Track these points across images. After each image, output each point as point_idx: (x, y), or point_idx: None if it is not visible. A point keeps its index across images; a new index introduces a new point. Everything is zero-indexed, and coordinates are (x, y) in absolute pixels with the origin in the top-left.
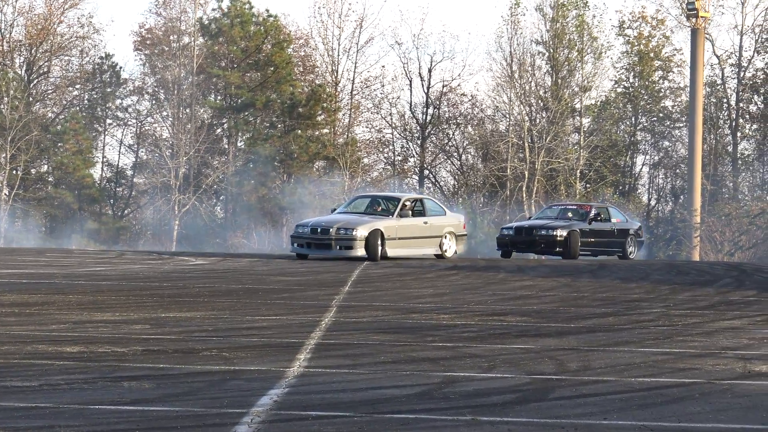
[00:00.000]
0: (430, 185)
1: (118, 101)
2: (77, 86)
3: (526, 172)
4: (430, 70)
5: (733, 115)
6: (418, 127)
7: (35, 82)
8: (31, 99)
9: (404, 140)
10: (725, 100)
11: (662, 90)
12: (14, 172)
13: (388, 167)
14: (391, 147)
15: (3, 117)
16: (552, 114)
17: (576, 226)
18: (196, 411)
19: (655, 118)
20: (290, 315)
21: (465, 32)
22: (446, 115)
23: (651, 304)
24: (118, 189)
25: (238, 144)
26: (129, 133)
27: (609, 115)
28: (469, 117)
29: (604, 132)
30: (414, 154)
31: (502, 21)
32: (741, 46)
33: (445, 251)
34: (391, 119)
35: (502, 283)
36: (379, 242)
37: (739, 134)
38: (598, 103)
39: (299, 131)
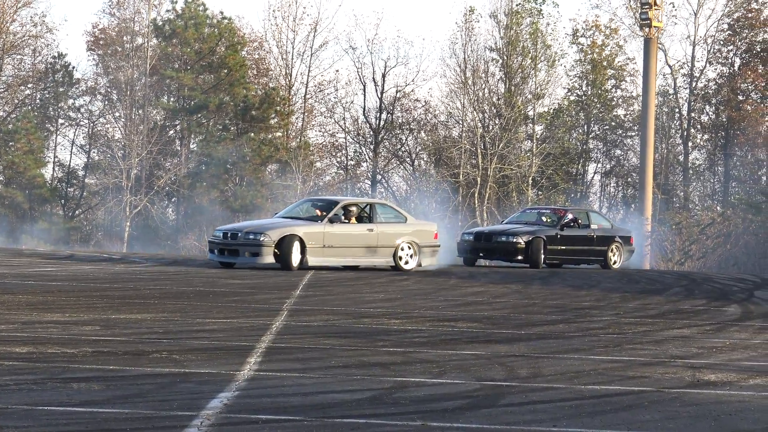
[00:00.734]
0: (383, 190)
1: (70, 101)
2: (29, 85)
3: (479, 179)
4: (384, 75)
5: (685, 125)
6: (372, 132)
7: None
8: None
9: (357, 145)
10: (677, 110)
11: (615, 99)
12: None
13: (341, 171)
14: (344, 151)
15: None
16: (505, 121)
17: (543, 232)
18: (146, 413)
19: (608, 127)
20: (241, 318)
21: (419, 38)
22: (399, 121)
23: (601, 312)
24: (69, 189)
25: (191, 146)
26: (81, 133)
27: (561, 123)
28: (422, 122)
29: (556, 140)
30: (367, 158)
31: (456, 27)
32: (693, 57)
33: (405, 263)
34: (345, 124)
35: (454, 289)
36: (297, 249)
37: (690, 144)
38: (551, 111)
39: (252, 134)
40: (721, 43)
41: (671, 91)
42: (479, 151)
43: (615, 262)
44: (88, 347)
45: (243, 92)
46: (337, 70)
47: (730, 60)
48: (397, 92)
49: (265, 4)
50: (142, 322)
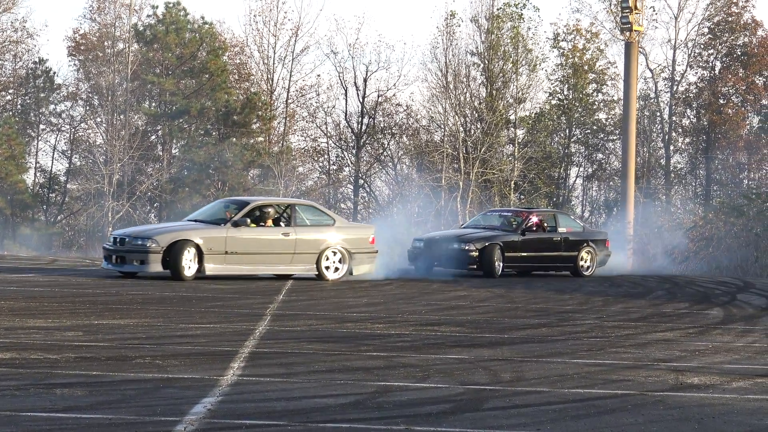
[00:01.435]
0: (365, 194)
1: (51, 107)
2: (10, 91)
3: (461, 183)
4: (365, 80)
5: (666, 129)
6: (353, 137)
7: None
8: None
9: (339, 149)
10: (658, 114)
11: (596, 102)
12: None
13: (323, 176)
14: (326, 156)
15: None
16: (487, 125)
17: (501, 237)
18: (130, 419)
19: (589, 131)
20: (224, 323)
21: (401, 42)
22: (381, 125)
23: (584, 316)
24: (51, 195)
25: (173, 151)
26: (62, 138)
27: (543, 127)
28: (404, 127)
29: (538, 143)
30: (349, 163)
31: (437, 32)
32: (674, 60)
33: (333, 271)
34: (327, 128)
35: (437, 293)
36: (191, 257)
37: (672, 147)
38: (533, 115)
39: (234, 139)
40: (702, 46)
41: (652, 95)
42: (461, 155)
43: (587, 268)
44: (71, 353)
45: (224, 97)
46: (319, 75)
47: (710, 64)
48: (378, 96)
49: (246, 9)
50: (125, 328)
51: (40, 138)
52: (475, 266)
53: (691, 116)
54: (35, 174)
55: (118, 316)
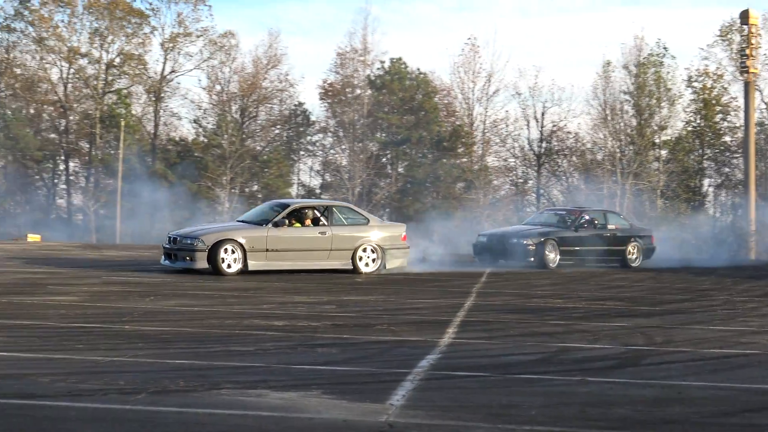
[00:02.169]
0: (545, 201)
1: (308, 137)
2: (278, 127)
3: (618, 192)
4: (543, 114)
5: None
6: (535, 157)
7: (247, 123)
8: (244, 136)
9: (524, 167)
10: None
11: (722, 129)
12: (232, 190)
13: (512, 187)
14: (514, 172)
15: (224, 149)
16: (637, 147)
17: (556, 233)
18: (372, 371)
19: (718, 150)
20: (441, 299)
21: (569, 84)
22: (556, 148)
23: (718, 293)
24: None
25: (399, 169)
26: (317, 161)
27: (681, 148)
28: (573, 149)
29: (678, 161)
30: (532, 177)
31: (597, 76)
32: None
33: (365, 265)
34: (514, 151)
35: (602, 277)
36: (234, 254)
37: None
38: (673, 139)
39: (444, 160)
40: None
41: (766, 123)
42: (618, 170)
43: (634, 260)
44: (327, 321)
45: (436, 128)
46: (507, 111)
47: None
48: (553, 126)
49: (451, 62)
50: (367, 302)
51: (300, 161)
52: (532, 259)
53: None
54: (297, 188)
55: (362, 294)
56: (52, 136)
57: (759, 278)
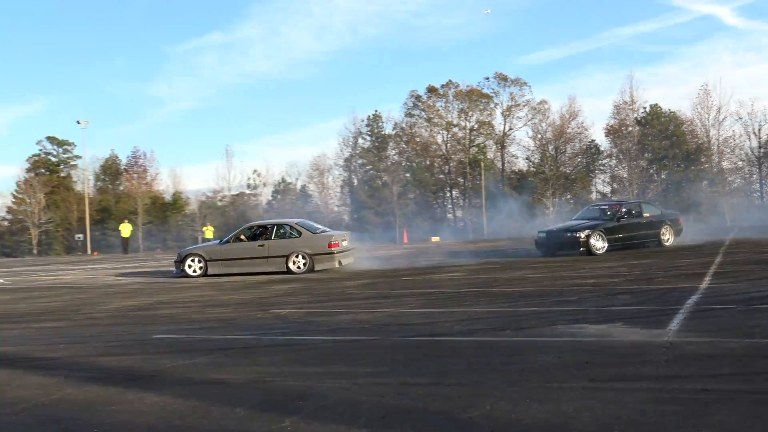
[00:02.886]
0: None
1: (599, 161)
2: (579, 156)
3: None
4: (759, 129)
5: None
6: (756, 159)
7: (559, 156)
8: (558, 165)
9: (749, 167)
10: None
11: None
12: (554, 200)
13: (742, 181)
14: (741, 171)
15: (546, 174)
16: None
17: (601, 225)
18: (654, 308)
19: None
20: (696, 259)
21: None
22: None
23: None
24: None
25: (662, 176)
26: (606, 176)
27: None
28: None
29: None
30: (755, 173)
31: None
32: None
33: (297, 268)
34: (741, 156)
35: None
36: (199, 263)
37: None
38: None
39: (693, 167)
40: None
41: None
42: None
43: (666, 240)
44: (622, 278)
45: (685, 147)
46: (734, 130)
47: None
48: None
49: (691, 102)
50: (646, 265)
51: (595, 177)
52: (583, 249)
53: None
54: (595, 195)
55: (641, 258)
56: (441, 176)
57: None
